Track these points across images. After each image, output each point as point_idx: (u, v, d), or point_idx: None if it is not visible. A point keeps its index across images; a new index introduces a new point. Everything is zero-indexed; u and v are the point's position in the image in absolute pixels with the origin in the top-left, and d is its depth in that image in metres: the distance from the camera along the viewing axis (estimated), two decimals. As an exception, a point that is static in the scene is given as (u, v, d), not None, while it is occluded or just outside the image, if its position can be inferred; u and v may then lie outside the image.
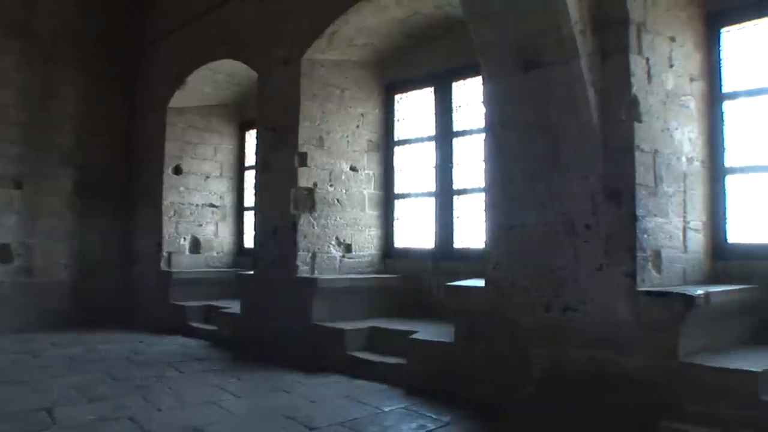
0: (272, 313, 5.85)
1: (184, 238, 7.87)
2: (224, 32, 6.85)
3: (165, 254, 7.70)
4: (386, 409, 4.01)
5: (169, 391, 4.46)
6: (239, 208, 8.36)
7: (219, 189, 8.23)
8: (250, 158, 8.09)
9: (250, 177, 8.04)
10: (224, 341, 6.35)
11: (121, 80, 8.45)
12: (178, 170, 7.88)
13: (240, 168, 8.39)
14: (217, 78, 7.49)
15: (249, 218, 8.01)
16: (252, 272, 6.26)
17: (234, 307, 6.60)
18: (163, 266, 7.68)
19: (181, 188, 7.89)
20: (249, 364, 5.42)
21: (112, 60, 8.38)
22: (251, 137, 8.05)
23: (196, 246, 7.97)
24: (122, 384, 4.66)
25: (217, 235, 8.17)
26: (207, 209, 8.10)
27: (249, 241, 7.97)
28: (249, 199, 8.11)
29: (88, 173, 8.09)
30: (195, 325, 7.07)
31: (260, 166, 6.30)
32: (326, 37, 5.70)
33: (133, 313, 8.00)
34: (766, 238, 3.99)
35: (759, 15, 4.06)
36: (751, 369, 3.10)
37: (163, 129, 7.81)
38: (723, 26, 4.19)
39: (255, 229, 6.37)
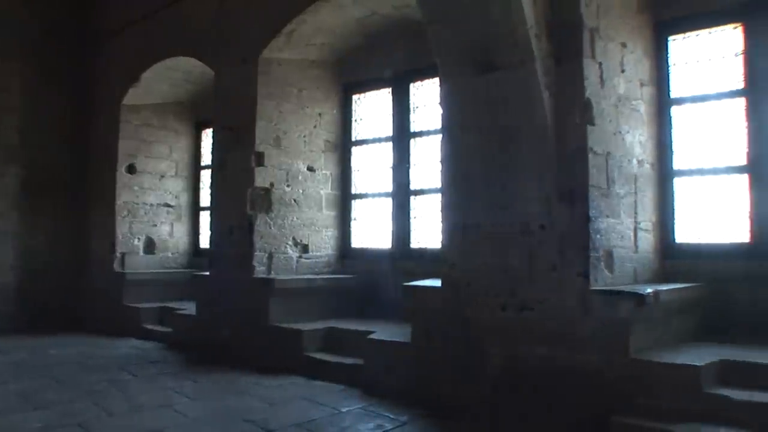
0: (229, 314, 5.77)
1: (138, 239, 7.70)
2: (181, 29, 6.72)
3: (118, 255, 7.52)
4: (344, 410, 4.01)
5: (122, 396, 4.35)
6: (195, 208, 8.22)
7: (174, 188, 8.08)
8: (207, 157, 7.95)
9: (206, 176, 7.91)
10: (180, 343, 6.23)
11: (71, 75, 8.18)
12: (131, 169, 7.70)
13: (196, 167, 8.25)
14: (173, 75, 7.34)
15: (205, 218, 7.87)
16: (208, 273, 6.17)
17: (189, 308, 6.48)
18: (117, 267, 7.50)
19: (135, 187, 7.71)
20: (205, 366, 5.34)
21: (61, 53, 8.09)
22: (207, 136, 7.92)
23: (150, 246, 7.81)
24: (71, 389, 4.52)
25: (172, 235, 8.02)
26: (162, 209, 7.94)
27: (205, 242, 7.83)
28: (205, 199, 7.97)
29: (36, 171, 7.81)
30: (149, 327, 6.93)
31: (216, 166, 6.22)
32: (284, 36, 5.66)
33: (85, 316, 7.77)
34: (711, 238, 4.15)
35: (702, 26, 4.23)
36: (695, 363, 3.24)
37: (117, 126, 7.62)
38: (670, 35, 4.34)
39: (211, 229, 6.27)
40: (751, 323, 3.85)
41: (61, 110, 8.09)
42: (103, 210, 7.70)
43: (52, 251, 7.91)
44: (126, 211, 7.61)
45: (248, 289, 5.59)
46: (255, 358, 5.30)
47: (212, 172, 6.36)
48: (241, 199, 5.70)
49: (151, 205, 7.84)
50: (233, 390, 4.54)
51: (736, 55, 4.10)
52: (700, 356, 3.36)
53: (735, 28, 4.12)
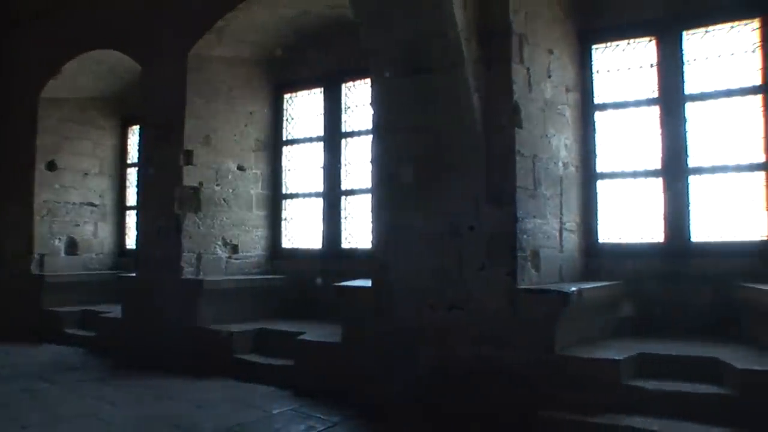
0: (156, 317, 5.59)
1: (59, 239, 7.34)
2: (107, 19, 6.43)
3: (36, 256, 7.14)
4: (275, 412, 3.97)
5: (38, 406, 4.12)
6: (121, 208, 7.91)
7: (99, 187, 7.74)
8: (134, 155, 7.69)
9: (133, 175, 7.65)
10: (104, 348, 6.00)
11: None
12: (52, 166, 7.33)
13: (122, 165, 7.95)
14: (98, 69, 7.03)
15: (131, 218, 7.61)
16: (134, 274, 5.97)
17: (115, 311, 6.25)
18: (34, 269, 7.12)
19: (56, 185, 7.35)
20: (131, 372, 5.16)
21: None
22: (135, 133, 7.66)
23: (72, 247, 7.47)
24: (-19, 402, 4.23)
25: (96, 235, 7.69)
26: (85, 208, 7.61)
27: (131, 242, 7.57)
28: (132, 198, 7.71)
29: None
30: (71, 331, 6.63)
31: (143, 164, 6.03)
32: (215, 32, 5.54)
33: (-1, 321, 7.34)
34: (631, 238, 4.35)
35: (622, 37, 4.45)
36: (614, 357, 3.41)
37: (35, 120, 7.22)
38: (594, 44, 4.54)
39: (138, 230, 6.08)
40: (665, 317, 4.06)
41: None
42: (19, 209, 7.27)
43: (-39, 253, 7.43)
44: (46, 210, 7.24)
45: (176, 291, 5.45)
46: (184, 361, 5.16)
47: (139, 170, 6.17)
48: (169, 199, 5.54)
49: (74, 204, 7.49)
50: (161, 395, 4.40)
51: (651, 66, 4.32)
52: (620, 351, 3.53)
53: (650, 41, 4.35)
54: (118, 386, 4.67)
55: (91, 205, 7.65)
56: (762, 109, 3.96)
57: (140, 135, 6.20)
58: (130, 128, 7.86)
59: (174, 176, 5.56)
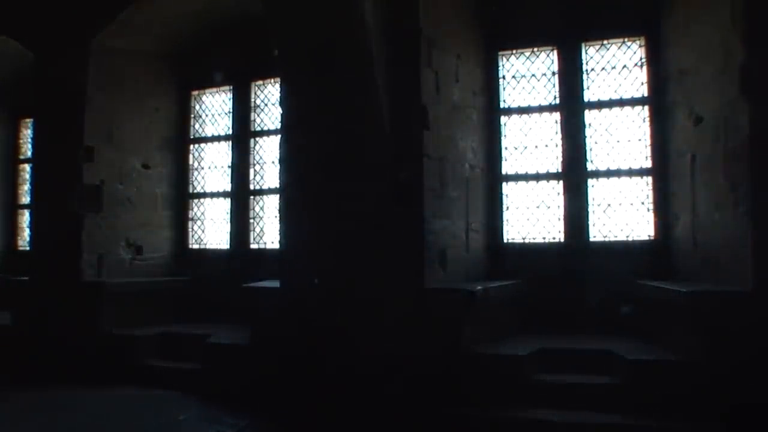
0: (53, 323, 5.28)
1: (-65, 240, 6.78)
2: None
3: None
4: (181, 418, 3.85)
5: None
6: (12, 206, 7.38)
7: (-16, 184, 7.20)
8: (27, 150, 7.20)
9: (26, 171, 7.16)
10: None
11: None
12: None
13: (14, 160, 7.41)
14: (-18, 54, 6.54)
15: (24, 217, 7.12)
16: (27, 277, 5.60)
17: (4, 318, 5.83)
18: None
19: (-66, 183, 6.79)
20: (21, 384, 4.79)
21: None
22: (28, 126, 7.16)
23: (-49, 249, 6.91)
24: None
25: (-20, 236, 7.15)
26: (-32, 207, 7.06)
27: (24, 243, 7.09)
28: (26, 196, 7.22)
29: None
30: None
31: (39, 160, 5.68)
32: (118, 23, 5.30)
33: None
34: (534, 237, 4.54)
35: (526, 45, 4.63)
36: (518, 353, 3.56)
37: None
38: (500, 50, 4.70)
39: (32, 230, 5.72)
40: (567, 313, 4.26)
41: None
42: None
43: None
44: None
45: (76, 294, 5.18)
46: (85, 370, 4.89)
47: (34, 166, 5.80)
48: (68, 197, 5.25)
49: (-45, 202, 6.94)
50: (56, 407, 4.14)
51: (554, 73, 4.54)
52: (524, 346, 3.68)
53: (552, 50, 4.58)
54: (3, 400, 4.33)
55: (-26, 203, 7.08)
56: (649, 118, 4.27)
57: (34, 129, 5.82)
58: (22, 120, 7.36)
59: (73, 173, 5.27)
